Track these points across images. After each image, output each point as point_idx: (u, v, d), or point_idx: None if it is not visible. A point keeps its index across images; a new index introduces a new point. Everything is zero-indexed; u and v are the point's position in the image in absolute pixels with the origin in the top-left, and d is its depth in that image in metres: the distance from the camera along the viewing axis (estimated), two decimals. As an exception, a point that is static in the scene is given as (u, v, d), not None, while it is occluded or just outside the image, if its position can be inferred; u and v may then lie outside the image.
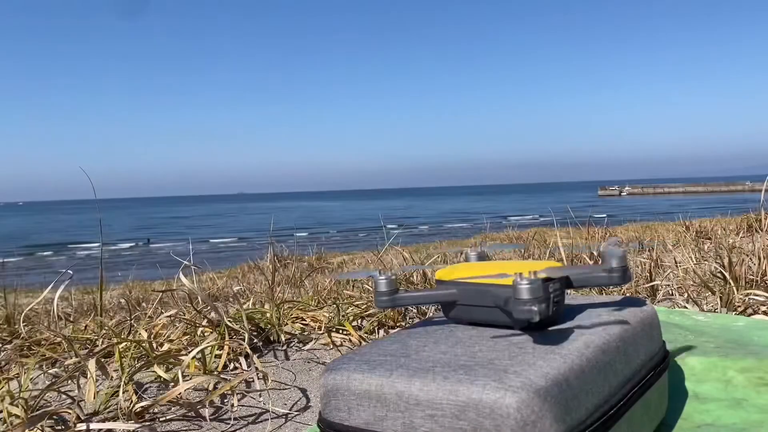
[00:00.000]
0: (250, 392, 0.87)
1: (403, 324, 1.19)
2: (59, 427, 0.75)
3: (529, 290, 0.47)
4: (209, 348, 0.95)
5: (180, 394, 0.83)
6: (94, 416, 0.78)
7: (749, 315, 1.13)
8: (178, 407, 0.81)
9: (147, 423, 0.77)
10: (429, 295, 0.56)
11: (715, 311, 1.18)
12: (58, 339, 1.08)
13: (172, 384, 0.86)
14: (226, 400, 0.85)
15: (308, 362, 1.00)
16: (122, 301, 2.10)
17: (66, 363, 0.96)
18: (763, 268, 1.28)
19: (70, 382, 0.91)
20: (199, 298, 1.10)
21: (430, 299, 0.57)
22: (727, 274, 1.24)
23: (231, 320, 1.05)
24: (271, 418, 0.79)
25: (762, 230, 2.09)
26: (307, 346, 1.06)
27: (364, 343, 1.07)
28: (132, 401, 0.79)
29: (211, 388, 0.87)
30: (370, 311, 1.19)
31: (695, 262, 1.52)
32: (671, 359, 0.61)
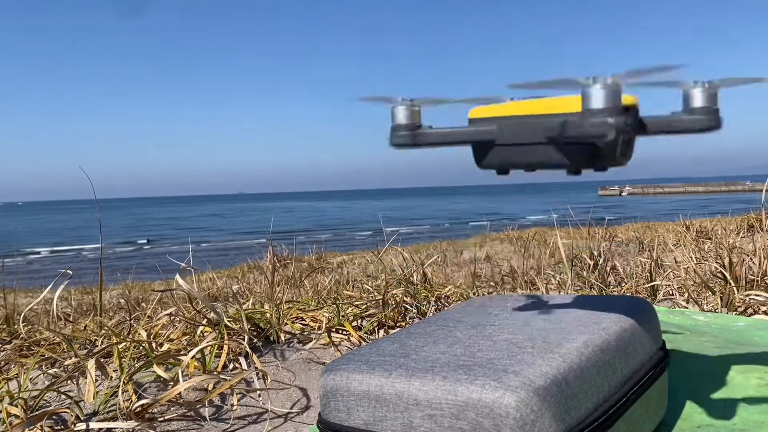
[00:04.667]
0: (249, 392, 0.87)
1: (403, 324, 1.19)
2: (59, 427, 0.75)
3: (604, 97, 0.37)
4: (209, 348, 0.95)
5: (179, 393, 0.83)
6: (94, 416, 0.78)
7: (749, 315, 1.13)
8: (178, 407, 0.81)
9: (146, 422, 0.77)
10: (460, 132, 0.45)
11: (715, 311, 1.18)
12: (58, 339, 1.07)
13: (172, 384, 0.86)
14: (225, 400, 0.85)
15: (308, 362, 1.00)
16: (122, 301, 2.10)
17: (65, 363, 0.96)
18: (764, 268, 1.28)
19: (69, 382, 0.91)
20: (199, 299, 1.10)
21: (461, 137, 0.45)
22: (727, 274, 1.24)
23: (230, 320, 1.05)
24: (271, 418, 0.79)
25: (762, 230, 2.09)
26: (307, 346, 1.06)
27: (363, 343, 1.07)
28: (131, 401, 0.79)
29: (210, 387, 0.87)
30: (370, 311, 1.19)
31: (695, 262, 1.52)
32: (671, 359, 0.61)
